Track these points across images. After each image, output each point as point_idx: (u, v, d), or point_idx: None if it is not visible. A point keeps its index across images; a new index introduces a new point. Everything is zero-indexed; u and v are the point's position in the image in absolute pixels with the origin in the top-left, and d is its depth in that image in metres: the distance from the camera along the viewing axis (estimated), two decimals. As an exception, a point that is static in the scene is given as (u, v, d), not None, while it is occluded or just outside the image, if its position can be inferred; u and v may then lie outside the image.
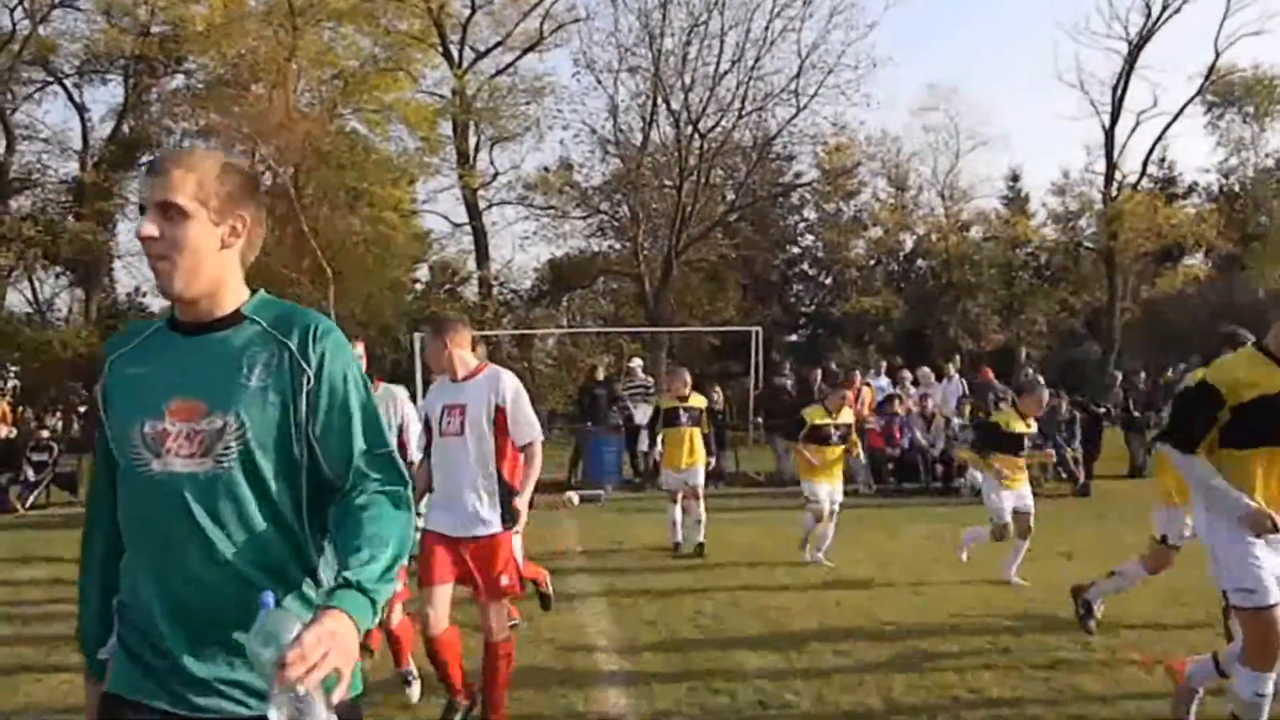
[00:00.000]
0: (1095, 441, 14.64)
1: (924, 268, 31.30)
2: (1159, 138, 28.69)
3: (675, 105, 25.52)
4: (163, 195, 1.85)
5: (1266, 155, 29.37)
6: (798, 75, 25.11)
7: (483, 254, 27.48)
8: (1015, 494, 7.89)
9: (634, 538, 10.26)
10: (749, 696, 5.01)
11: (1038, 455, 8.49)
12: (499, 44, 26.79)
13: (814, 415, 8.94)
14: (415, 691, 5.09)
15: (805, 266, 33.19)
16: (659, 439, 9.85)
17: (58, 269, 27.25)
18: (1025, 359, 26.79)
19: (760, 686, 5.18)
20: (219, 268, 1.91)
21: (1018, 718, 4.73)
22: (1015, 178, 31.98)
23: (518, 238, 32.02)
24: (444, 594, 4.45)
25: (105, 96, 47.44)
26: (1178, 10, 26.26)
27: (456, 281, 30.07)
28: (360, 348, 4.85)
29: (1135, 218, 26.59)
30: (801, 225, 32.67)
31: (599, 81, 26.22)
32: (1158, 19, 26.59)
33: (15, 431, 16.09)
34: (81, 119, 27.00)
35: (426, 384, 5.06)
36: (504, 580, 4.46)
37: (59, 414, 21.61)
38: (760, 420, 17.73)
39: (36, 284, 27.78)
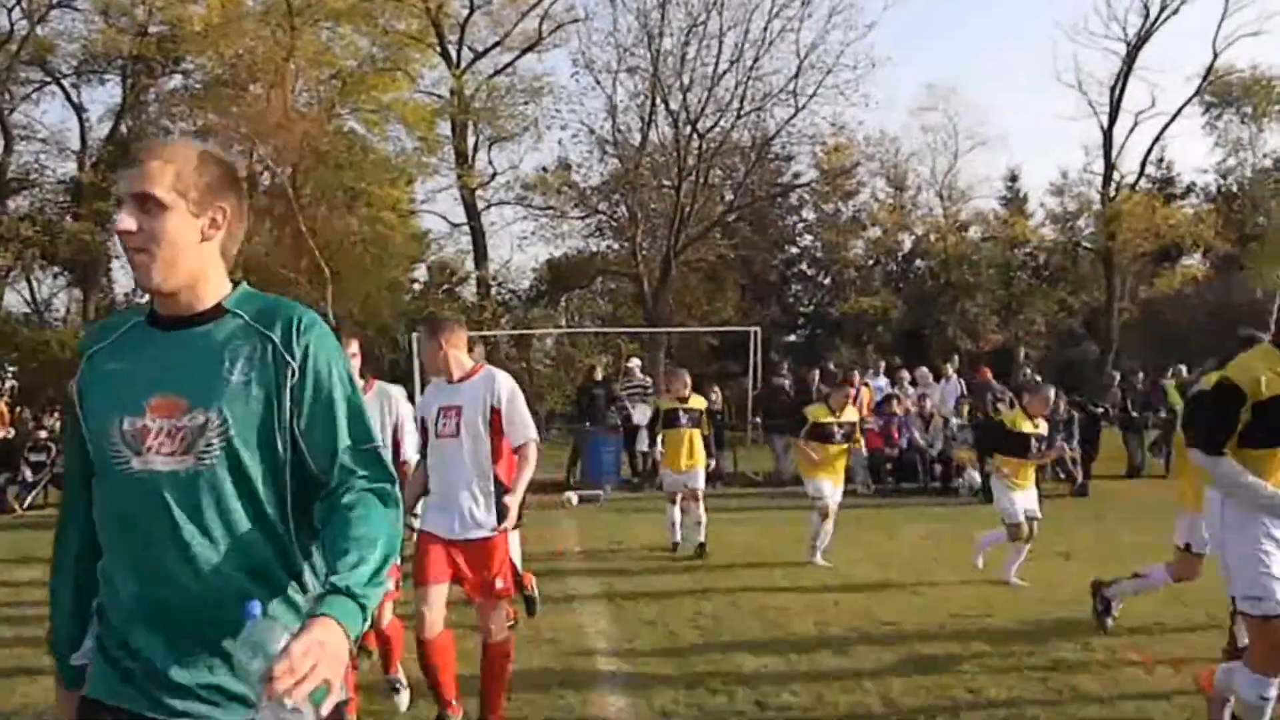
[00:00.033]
0: (1093, 442, 14.64)
1: (922, 268, 31.32)
2: (1157, 138, 28.78)
3: (674, 105, 25.55)
4: (140, 187, 1.81)
5: (1264, 155, 29.41)
6: (796, 75, 25.18)
7: (481, 254, 27.49)
8: (1025, 494, 7.85)
9: (633, 538, 10.25)
10: (747, 697, 5.01)
11: (1051, 454, 8.40)
12: (497, 44, 26.80)
13: (817, 413, 8.90)
14: (404, 700, 4.99)
15: (804, 267, 33.19)
16: (659, 440, 9.81)
17: (55, 269, 27.25)
18: (1023, 359, 26.76)
19: (759, 687, 5.18)
20: (199, 260, 1.86)
21: (1016, 718, 4.73)
22: (1014, 178, 32.04)
23: (516, 238, 32.25)
24: (439, 594, 4.41)
25: (103, 97, 47.35)
26: (1176, 11, 26.33)
27: (455, 281, 30.06)
28: (355, 346, 4.77)
29: (1133, 218, 26.62)
30: (800, 225, 32.69)
31: (597, 82, 26.27)
32: (1156, 19, 26.65)
33: (13, 432, 16.07)
34: (79, 119, 27.04)
35: (425, 384, 4.99)
36: (498, 583, 4.41)
37: (57, 414, 21.55)
38: (759, 420, 17.72)
39: (34, 284, 27.80)
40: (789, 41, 25.25)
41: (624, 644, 6.11)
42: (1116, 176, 28.31)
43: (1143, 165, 28.92)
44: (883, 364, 19.43)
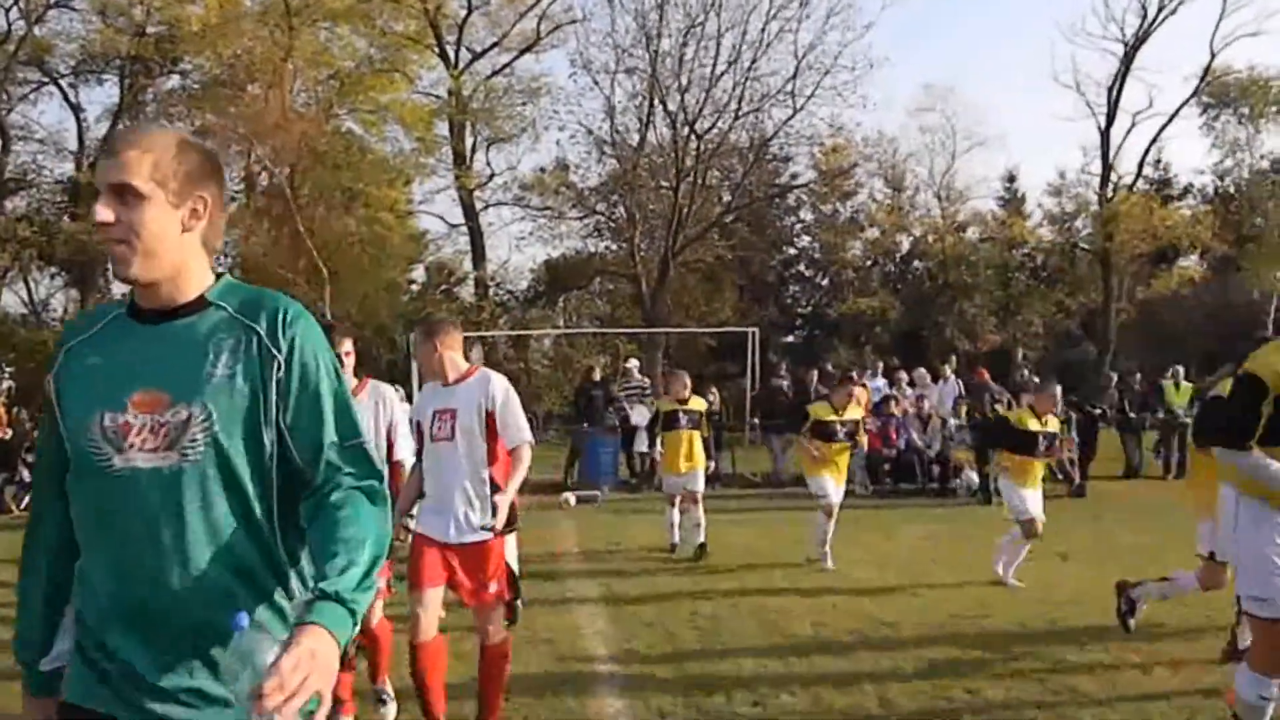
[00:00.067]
0: (1091, 442, 14.65)
1: (920, 269, 31.34)
2: (1154, 139, 28.79)
3: (672, 106, 25.55)
4: (117, 177, 1.75)
5: (1261, 157, 29.45)
6: (794, 76, 25.20)
7: (479, 255, 27.49)
8: (1033, 493, 7.82)
9: (631, 539, 10.25)
10: (746, 698, 5.01)
11: (1059, 452, 8.36)
12: (495, 45, 26.80)
13: (819, 411, 8.86)
14: (390, 713, 4.88)
15: (802, 267, 33.22)
16: (659, 441, 9.77)
17: (53, 269, 27.22)
18: (1021, 360, 26.81)
19: (757, 688, 5.17)
20: (179, 252, 1.81)
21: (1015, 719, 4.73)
22: (1011, 178, 32.09)
23: (514, 238, 32.23)
24: (434, 598, 4.35)
25: (101, 97, 47.29)
26: (1174, 12, 26.35)
27: (453, 282, 30.05)
28: (348, 345, 4.70)
29: (1131, 219, 26.64)
30: (798, 226, 32.71)
31: (595, 82, 26.26)
32: (1154, 20, 26.66)
33: (10, 432, 16.04)
34: (77, 119, 27.01)
35: (423, 384, 4.94)
36: (492, 587, 4.36)
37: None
38: (757, 421, 17.72)
39: (32, 284, 27.74)
40: (787, 42, 25.32)
41: (622, 645, 6.11)
42: (1114, 177, 28.34)
43: (1140, 166, 28.98)
44: (881, 365, 19.45)
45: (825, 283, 32.61)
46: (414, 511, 4.59)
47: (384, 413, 4.83)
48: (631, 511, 12.37)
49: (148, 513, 1.74)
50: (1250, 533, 3.79)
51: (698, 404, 9.72)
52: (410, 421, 4.74)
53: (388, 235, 25.25)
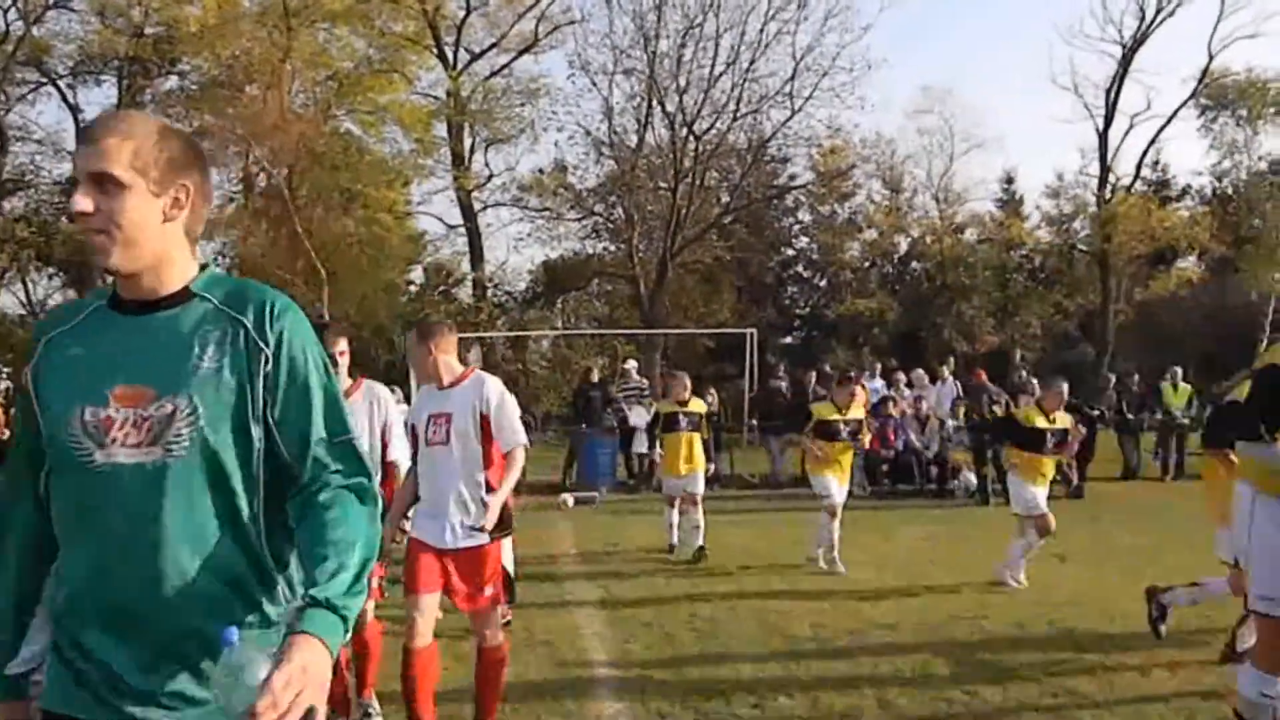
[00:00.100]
0: (1089, 444, 14.64)
1: (918, 270, 31.34)
2: (1152, 141, 28.78)
3: (670, 107, 25.54)
4: (96, 166, 1.69)
5: (1259, 158, 29.42)
6: (792, 78, 25.17)
7: (477, 256, 27.48)
8: (1042, 491, 7.77)
9: (629, 540, 10.24)
10: (744, 700, 5.01)
11: (1070, 449, 8.29)
12: (494, 46, 26.78)
13: (822, 411, 8.80)
14: None
15: (800, 269, 33.21)
16: (659, 444, 9.69)
17: (51, 270, 27.21)
18: (1019, 361, 26.80)
19: (755, 690, 5.18)
20: (161, 242, 1.76)
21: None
22: (1009, 180, 32.06)
23: (512, 239, 32.25)
24: (431, 603, 4.30)
25: (99, 98, 47.05)
26: (1171, 14, 26.35)
27: (451, 283, 30.04)
28: (343, 344, 4.63)
29: (1129, 220, 26.65)
30: (796, 227, 32.71)
31: (594, 83, 26.23)
32: (1151, 22, 26.67)
33: (8, 433, 16.04)
34: (75, 120, 26.90)
35: (419, 387, 4.88)
36: (488, 591, 4.33)
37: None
38: (755, 422, 17.72)
39: (30, 285, 27.73)
40: (785, 44, 25.32)
41: (620, 646, 6.11)
42: (1112, 179, 28.35)
43: (1138, 168, 28.98)
44: (879, 366, 19.43)
45: (823, 284, 32.61)
46: (410, 514, 4.55)
47: (378, 414, 4.78)
48: (630, 512, 12.37)
49: (129, 510, 1.69)
50: (1267, 531, 3.79)
51: (698, 406, 9.69)
52: (405, 424, 4.70)
53: (386, 236, 25.24)
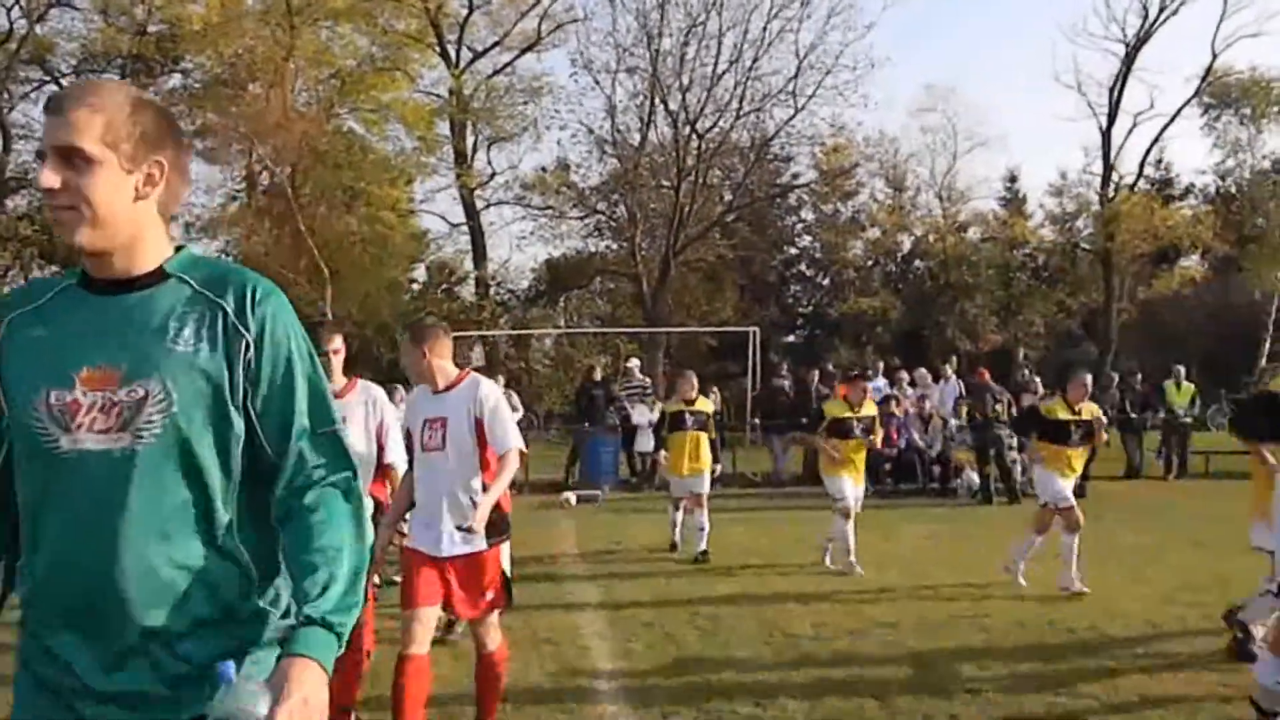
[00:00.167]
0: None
1: (921, 269, 31.34)
2: (1156, 139, 28.79)
3: (673, 106, 25.57)
4: (65, 139, 1.58)
5: (1263, 157, 29.43)
6: (795, 76, 25.22)
7: (480, 254, 27.50)
8: (1070, 483, 7.61)
9: (631, 538, 10.24)
10: (746, 699, 5.00)
11: (1097, 440, 8.12)
12: (496, 44, 26.82)
13: (834, 410, 8.72)
14: None
15: (803, 267, 33.22)
16: (665, 443, 9.57)
17: (54, 268, 27.20)
18: (1022, 360, 26.80)
19: (757, 689, 5.17)
20: (134, 222, 1.65)
21: (1014, 718, 4.74)
22: (1013, 179, 32.10)
23: (515, 238, 32.26)
24: (430, 614, 4.19)
25: (102, 95, 47.27)
26: (1175, 12, 26.33)
27: (454, 281, 30.07)
28: (338, 342, 4.54)
29: (1132, 219, 26.63)
30: (799, 226, 32.74)
31: (596, 82, 26.29)
32: (1155, 21, 26.65)
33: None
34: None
35: (412, 388, 4.76)
36: (488, 596, 4.26)
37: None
38: (757, 421, 17.72)
39: (32, 283, 27.77)
40: (788, 42, 25.35)
41: (622, 645, 6.11)
42: (1115, 177, 28.34)
43: (1141, 166, 28.98)
44: (881, 365, 19.43)
45: (826, 282, 32.62)
46: (406, 517, 4.47)
47: (373, 415, 4.67)
48: (632, 511, 12.37)
49: (94, 499, 1.60)
50: None
51: (704, 405, 9.60)
52: (401, 428, 4.61)
53: (389, 234, 25.28)
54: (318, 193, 24.21)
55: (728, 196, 28.12)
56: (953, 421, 15.17)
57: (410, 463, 4.42)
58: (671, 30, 25.16)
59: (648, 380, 17.82)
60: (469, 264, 28.59)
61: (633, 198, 26.53)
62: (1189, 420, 16.13)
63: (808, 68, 25.11)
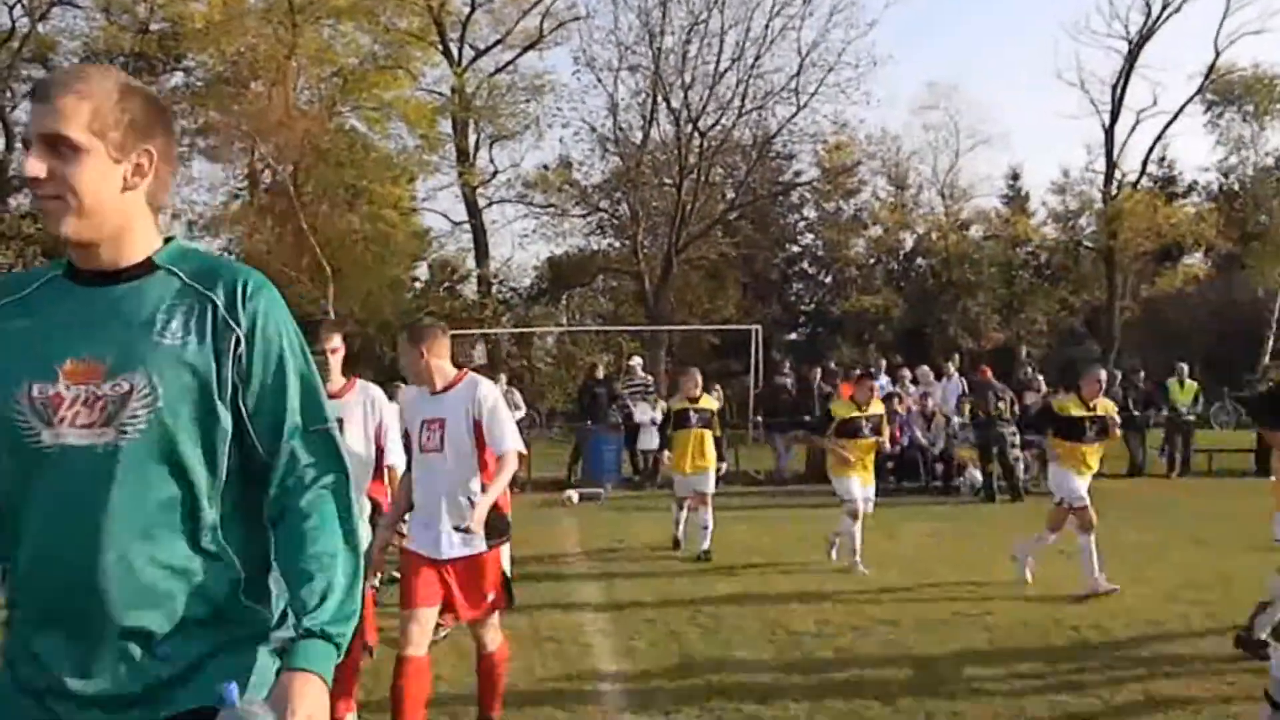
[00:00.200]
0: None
1: (924, 266, 31.31)
2: (1159, 136, 28.77)
3: (675, 103, 25.56)
4: (51, 127, 1.54)
5: (1266, 154, 29.38)
6: (798, 73, 25.21)
7: (482, 252, 27.50)
8: (1086, 480, 7.55)
9: (633, 536, 10.24)
10: (748, 697, 5.00)
11: (1112, 437, 8.02)
12: (499, 42, 26.81)
13: (842, 410, 8.67)
14: None
15: (805, 265, 33.20)
16: (669, 441, 9.51)
17: (57, 267, 27.26)
18: (1025, 358, 26.71)
19: (759, 687, 5.17)
20: (122, 213, 1.61)
21: (1017, 717, 4.73)
22: (1015, 176, 32.03)
23: (517, 236, 32.25)
24: (429, 615, 4.15)
25: (104, 94, 47.27)
26: (1178, 9, 26.32)
27: (456, 279, 30.08)
28: (337, 341, 4.46)
29: (1135, 217, 26.61)
30: (801, 224, 32.69)
31: (599, 80, 26.28)
32: (1158, 18, 26.63)
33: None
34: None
35: (409, 387, 4.69)
36: (489, 598, 4.25)
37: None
38: (760, 419, 17.73)
39: (35, 282, 27.79)
40: (790, 40, 25.33)
41: (624, 644, 6.11)
42: (1118, 175, 28.32)
43: (1144, 164, 28.96)
44: (884, 362, 19.41)
45: (828, 280, 32.60)
46: (406, 517, 4.43)
47: (372, 415, 4.60)
48: (634, 509, 12.38)
49: (75, 495, 1.55)
50: None
51: (709, 403, 9.57)
52: (399, 429, 4.57)
53: (391, 233, 25.29)
54: (320, 191, 24.23)
55: (730, 194, 28.11)
56: (955, 419, 15.15)
57: (409, 463, 4.38)
58: (674, 28, 25.20)
59: (650, 378, 17.81)
60: (471, 262, 28.61)
61: (635, 196, 26.53)
62: (1192, 418, 16.11)
63: (810, 65, 25.14)
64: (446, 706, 4.71)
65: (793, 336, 31.89)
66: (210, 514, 1.63)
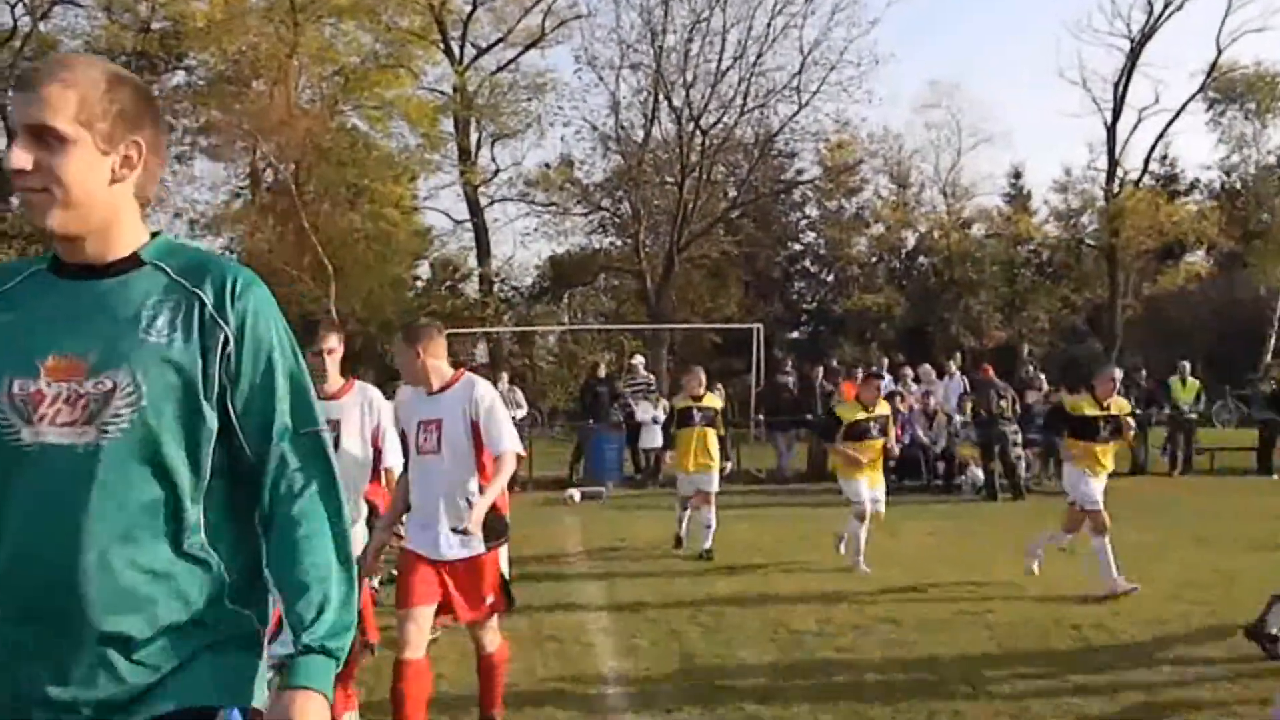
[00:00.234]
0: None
1: (926, 265, 31.29)
2: (1161, 134, 28.72)
3: (677, 102, 25.53)
4: (36, 117, 1.50)
5: (1268, 152, 29.32)
6: (800, 72, 25.18)
7: (484, 251, 27.49)
8: (1101, 481, 7.51)
9: (635, 535, 10.24)
10: (750, 696, 5.00)
11: (1127, 436, 7.98)
12: (500, 40, 26.78)
13: (848, 413, 8.63)
14: None
15: (807, 263, 33.18)
16: (672, 440, 9.48)
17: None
18: (1027, 356, 26.72)
19: (761, 686, 5.17)
20: (109, 206, 1.57)
21: (1019, 716, 4.72)
22: (1017, 174, 32.01)
23: (519, 234, 32.23)
24: (426, 615, 4.10)
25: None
26: (1180, 7, 26.29)
27: (457, 278, 30.09)
28: (334, 340, 4.46)
29: (1137, 215, 26.58)
30: (803, 222, 32.67)
31: (600, 78, 26.24)
32: (1160, 16, 26.60)
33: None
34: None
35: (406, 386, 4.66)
36: (488, 599, 4.23)
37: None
38: (761, 417, 17.73)
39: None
40: (792, 38, 25.28)
41: (626, 643, 6.11)
42: (1120, 173, 28.29)
43: (1146, 162, 28.92)
44: (886, 361, 19.42)
45: (830, 279, 32.58)
46: (404, 519, 4.40)
47: (370, 416, 4.58)
48: (636, 508, 12.38)
49: (56, 494, 1.51)
50: None
51: (712, 401, 9.53)
52: (395, 429, 4.54)
53: (393, 231, 25.31)
54: (321, 190, 24.24)
55: (732, 193, 28.10)
56: (957, 418, 15.14)
57: (406, 465, 4.34)
58: (675, 26, 25.17)
59: (652, 377, 17.80)
60: (473, 261, 28.59)
61: (636, 194, 26.51)
62: (1194, 416, 16.10)
63: (812, 64, 25.12)
64: (447, 706, 4.71)
65: (795, 335, 31.89)
66: (193, 515, 1.59)
